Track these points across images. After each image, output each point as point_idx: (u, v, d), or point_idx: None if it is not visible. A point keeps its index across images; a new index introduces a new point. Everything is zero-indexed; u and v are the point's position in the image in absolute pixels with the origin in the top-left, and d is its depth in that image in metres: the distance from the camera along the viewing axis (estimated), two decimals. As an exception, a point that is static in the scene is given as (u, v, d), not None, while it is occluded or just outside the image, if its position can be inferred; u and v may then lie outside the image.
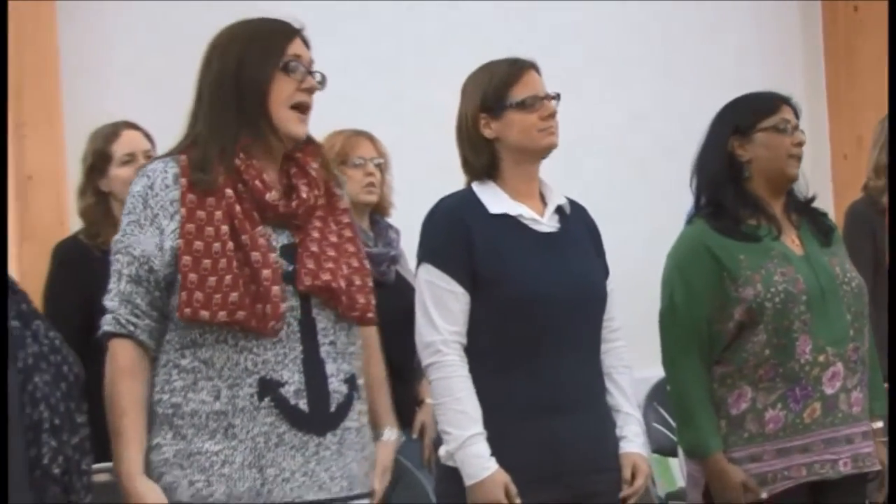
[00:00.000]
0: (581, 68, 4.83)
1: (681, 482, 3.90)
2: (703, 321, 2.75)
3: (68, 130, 4.27)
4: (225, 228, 2.15)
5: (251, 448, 2.14)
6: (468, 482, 2.44)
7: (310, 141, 2.33)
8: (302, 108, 2.26)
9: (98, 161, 3.25)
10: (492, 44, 4.51)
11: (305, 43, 2.31)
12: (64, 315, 2.91)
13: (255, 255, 2.14)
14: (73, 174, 3.61)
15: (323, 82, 2.29)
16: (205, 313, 2.12)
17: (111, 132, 3.29)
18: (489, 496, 2.42)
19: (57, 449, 2.04)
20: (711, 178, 2.84)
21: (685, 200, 4.28)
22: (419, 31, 4.88)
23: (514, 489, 2.43)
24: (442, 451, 2.51)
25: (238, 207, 2.17)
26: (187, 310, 2.13)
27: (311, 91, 2.26)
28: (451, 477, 2.48)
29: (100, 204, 3.23)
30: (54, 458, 2.03)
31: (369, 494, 2.29)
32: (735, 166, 2.83)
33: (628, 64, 5.16)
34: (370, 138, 3.50)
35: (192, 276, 2.13)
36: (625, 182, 5.04)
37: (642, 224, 4.81)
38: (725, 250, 2.76)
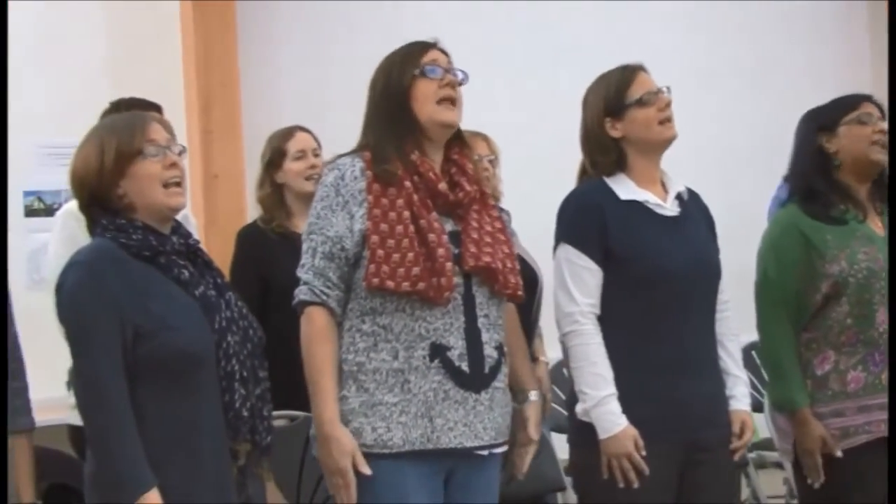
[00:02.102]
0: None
1: (763, 434, 3.78)
2: (792, 292, 2.65)
3: (246, 137, 4.32)
4: (406, 213, 2.15)
5: (423, 401, 2.14)
6: (602, 436, 2.37)
7: (463, 144, 2.32)
8: (449, 103, 2.24)
9: (275, 156, 3.23)
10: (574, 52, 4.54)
11: (443, 52, 2.30)
12: (245, 287, 2.92)
13: (432, 237, 2.14)
14: (251, 173, 3.63)
15: (465, 79, 2.27)
16: (391, 283, 2.11)
17: (287, 132, 3.29)
18: (621, 448, 2.35)
19: (245, 396, 2.08)
20: (804, 171, 2.75)
21: (761, 193, 4.16)
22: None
23: (641, 442, 2.36)
24: (578, 408, 2.44)
25: (415, 196, 2.17)
26: (375, 280, 2.12)
27: (451, 85, 2.25)
28: (586, 431, 2.41)
29: (275, 193, 3.22)
30: (243, 403, 2.07)
31: (518, 441, 2.30)
32: (824, 159, 2.72)
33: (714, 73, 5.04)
34: (485, 138, 3.43)
35: (380, 252, 2.13)
36: (715, 177, 4.91)
37: (729, 212, 4.68)
38: (815, 231, 2.66)
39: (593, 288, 2.42)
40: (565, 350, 2.47)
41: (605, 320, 2.43)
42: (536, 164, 4.36)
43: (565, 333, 2.44)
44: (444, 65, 2.26)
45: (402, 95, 2.22)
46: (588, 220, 2.44)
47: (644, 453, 2.35)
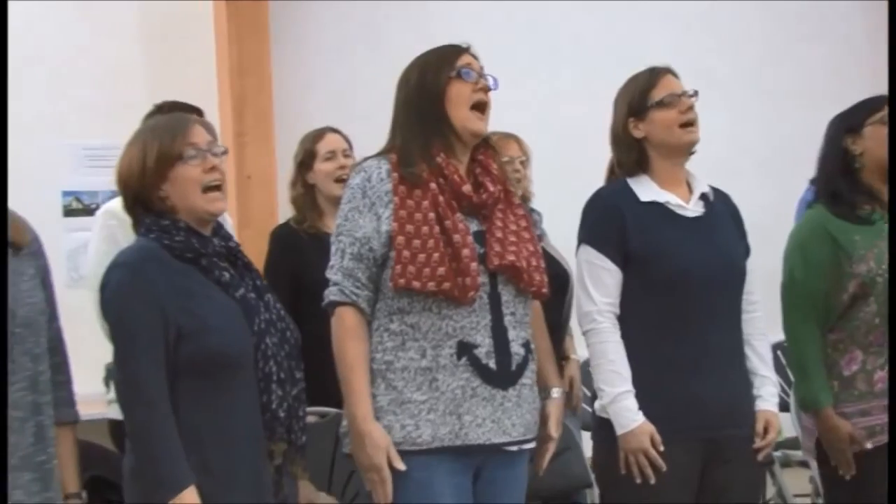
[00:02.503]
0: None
1: (789, 433, 3.76)
2: (819, 293, 2.64)
3: (278, 140, 4.35)
4: (431, 215, 2.16)
5: (451, 398, 2.15)
6: (619, 431, 2.38)
7: (489, 145, 2.33)
8: (480, 108, 2.26)
9: (306, 158, 3.25)
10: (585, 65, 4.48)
11: (475, 57, 2.31)
12: (279, 287, 2.93)
13: (456, 237, 2.15)
14: (282, 175, 3.66)
15: (496, 85, 2.28)
16: (416, 283, 2.13)
17: (317, 134, 3.30)
18: (637, 444, 2.36)
19: (282, 397, 2.09)
20: (828, 173, 2.73)
21: (764, 193, 4.09)
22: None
23: (658, 438, 2.36)
24: (597, 404, 2.46)
25: (441, 198, 2.18)
26: (401, 280, 2.13)
27: (485, 90, 2.26)
28: (605, 427, 2.43)
29: (307, 194, 3.23)
30: (280, 403, 2.08)
31: (539, 438, 2.30)
32: (849, 160, 2.70)
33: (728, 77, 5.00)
34: (516, 140, 3.43)
35: (406, 253, 2.14)
36: (716, 177, 4.88)
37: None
38: (842, 231, 2.64)
39: (612, 288, 2.43)
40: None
41: (625, 320, 2.44)
42: (536, 165, 4.37)
43: (584, 332, 2.46)
44: (477, 70, 2.28)
45: (437, 96, 2.23)
46: (607, 221, 2.45)
47: (662, 449, 2.35)
